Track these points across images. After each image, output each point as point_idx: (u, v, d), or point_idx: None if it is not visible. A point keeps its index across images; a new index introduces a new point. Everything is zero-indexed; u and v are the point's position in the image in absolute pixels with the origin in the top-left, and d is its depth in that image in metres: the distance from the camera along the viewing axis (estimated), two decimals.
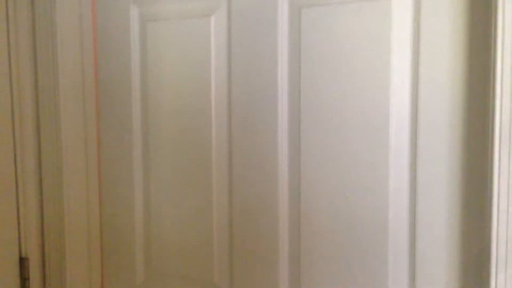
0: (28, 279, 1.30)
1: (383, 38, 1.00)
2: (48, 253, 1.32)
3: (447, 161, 0.97)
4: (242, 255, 1.17)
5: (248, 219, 1.16)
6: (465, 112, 0.95)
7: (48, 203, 1.30)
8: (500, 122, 0.87)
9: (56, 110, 1.26)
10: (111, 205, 1.32)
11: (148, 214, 1.28)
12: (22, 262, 1.29)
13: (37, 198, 1.30)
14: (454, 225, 0.98)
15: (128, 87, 1.26)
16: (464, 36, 0.94)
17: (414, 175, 1.00)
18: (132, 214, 1.29)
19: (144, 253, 1.29)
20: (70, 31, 1.26)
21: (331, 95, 1.05)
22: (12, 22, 1.23)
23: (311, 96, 1.07)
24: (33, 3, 1.25)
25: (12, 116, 1.25)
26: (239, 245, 1.17)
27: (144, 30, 1.23)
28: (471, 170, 0.96)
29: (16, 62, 1.25)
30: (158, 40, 1.22)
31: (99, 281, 1.35)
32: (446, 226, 0.98)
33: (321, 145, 1.07)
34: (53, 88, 1.25)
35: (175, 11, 1.19)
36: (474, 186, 0.96)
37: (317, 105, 1.07)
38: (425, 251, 1.00)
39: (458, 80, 0.95)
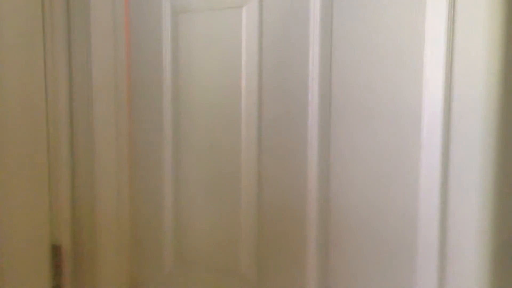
0: (61, 266, 1.33)
1: (416, 29, 0.98)
2: (79, 241, 1.34)
3: (481, 156, 0.95)
4: (270, 246, 1.17)
5: (277, 211, 1.16)
6: (500, 106, 0.93)
7: (80, 192, 1.33)
8: None
9: (89, 103, 1.29)
10: (141, 194, 1.34)
11: (177, 204, 1.30)
12: (55, 249, 1.32)
13: (69, 187, 1.33)
14: (488, 223, 0.95)
15: (160, 79, 1.28)
16: (501, 28, 0.91)
17: (446, 172, 0.98)
18: (161, 204, 1.31)
19: (173, 243, 1.31)
20: (103, 25, 1.28)
21: (362, 88, 1.04)
22: (47, 17, 1.27)
23: (342, 89, 1.07)
24: None
25: (47, 110, 1.28)
26: (267, 236, 1.17)
27: (176, 22, 1.25)
28: (506, 166, 0.93)
29: (51, 54, 1.28)
30: (189, 32, 1.23)
31: (128, 269, 1.37)
32: (479, 224, 0.96)
33: (351, 139, 1.06)
34: (86, 82, 1.28)
35: (206, 2, 1.20)
36: (508, 182, 0.93)
37: (347, 98, 1.06)
38: (456, 250, 0.98)
39: (494, 73, 0.93)
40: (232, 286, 1.23)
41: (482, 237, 0.96)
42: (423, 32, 0.97)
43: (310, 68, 1.09)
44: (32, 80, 1.24)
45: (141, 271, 1.36)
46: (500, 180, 0.94)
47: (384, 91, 1.02)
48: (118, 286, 1.36)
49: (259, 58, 1.15)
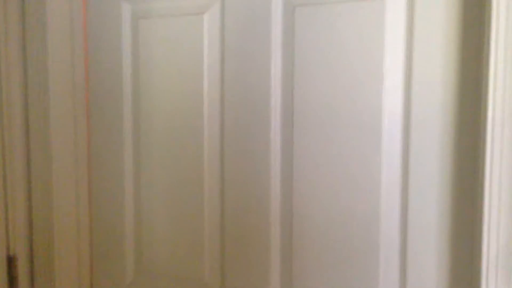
0: (17, 277, 1.28)
1: (376, 38, 1.00)
2: (36, 252, 1.30)
3: (439, 161, 0.98)
4: (234, 254, 1.17)
5: (240, 218, 1.15)
6: (457, 111, 0.96)
7: (37, 201, 1.28)
8: (493, 121, 0.88)
9: (46, 109, 1.24)
10: (101, 204, 1.31)
11: (139, 213, 1.27)
12: (10, 260, 1.28)
13: (26, 196, 1.28)
14: (445, 225, 0.98)
15: (119, 86, 1.25)
16: (458, 36, 0.94)
17: (406, 175, 1.00)
18: (122, 212, 1.28)
19: (134, 252, 1.29)
20: (60, 29, 1.24)
21: (324, 94, 1.05)
22: (1, 19, 1.22)
23: (304, 96, 1.07)
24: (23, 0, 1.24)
25: (1, 114, 1.23)
26: (231, 244, 1.17)
27: (136, 28, 1.22)
28: (463, 170, 0.96)
29: (5, 59, 1.23)
30: (150, 38, 1.21)
31: (88, 280, 1.34)
32: (437, 225, 0.98)
33: (313, 144, 1.07)
34: (43, 88, 1.24)
35: (168, 8, 1.18)
36: (465, 186, 0.96)
37: (309, 105, 1.07)
38: (416, 250, 1.00)
39: (451, 80, 0.95)
40: None
41: (441, 239, 0.98)
42: (383, 42, 0.99)
43: (272, 75, 1.09)
44: None
45: (101, 282, 1.33)
46: (457, 183, 0.97)
47: (346, 98, 1.03)
48: None
49: (221, 65, 1.14)
